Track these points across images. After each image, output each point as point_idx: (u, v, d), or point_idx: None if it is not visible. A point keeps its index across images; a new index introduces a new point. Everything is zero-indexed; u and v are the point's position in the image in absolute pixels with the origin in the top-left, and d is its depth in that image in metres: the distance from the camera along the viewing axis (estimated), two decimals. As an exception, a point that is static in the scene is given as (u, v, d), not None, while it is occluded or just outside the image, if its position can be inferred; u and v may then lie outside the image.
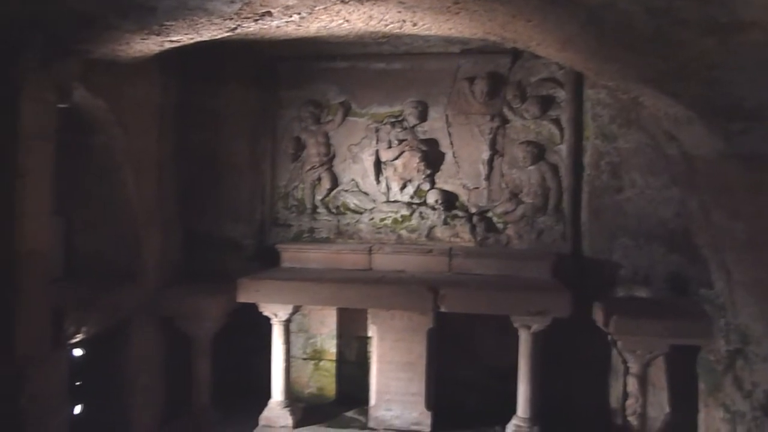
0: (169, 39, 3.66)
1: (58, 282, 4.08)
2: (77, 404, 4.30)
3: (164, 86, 5.05)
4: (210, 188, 5.58)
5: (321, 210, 5.56)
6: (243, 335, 5.34)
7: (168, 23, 3.37)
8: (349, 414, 5.10)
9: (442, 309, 4.38)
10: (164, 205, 5.10)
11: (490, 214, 5.35)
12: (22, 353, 3.30)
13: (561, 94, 5.22)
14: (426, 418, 4.74)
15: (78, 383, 4.27)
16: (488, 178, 5.37)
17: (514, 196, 5.30)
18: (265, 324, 4.85)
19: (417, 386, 4.74)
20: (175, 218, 5.34)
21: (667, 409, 4.71)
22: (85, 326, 3.84)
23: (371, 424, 4.81)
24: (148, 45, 3.73)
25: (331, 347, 5.52)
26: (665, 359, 4.59)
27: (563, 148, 5.21)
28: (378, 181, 5.51)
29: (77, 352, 4.27)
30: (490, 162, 5.36)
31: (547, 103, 5.24)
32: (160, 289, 4.94)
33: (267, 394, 4.91)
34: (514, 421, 4.55)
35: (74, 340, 3.80)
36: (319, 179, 5.56)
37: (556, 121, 5.22)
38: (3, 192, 3.26)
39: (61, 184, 3.88)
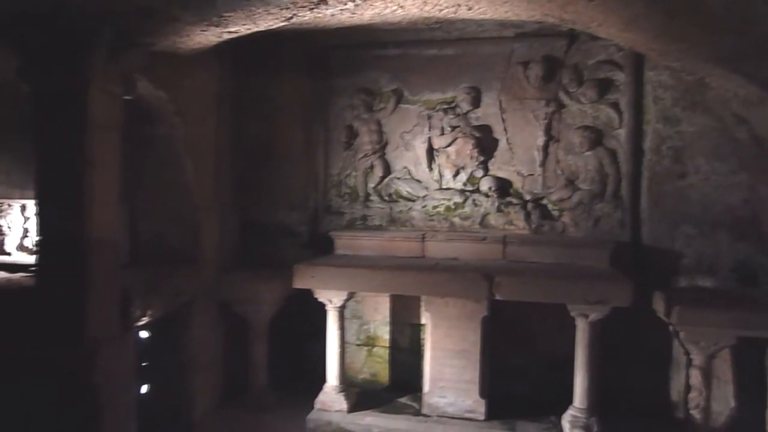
0: (227, 30, 3.74)
1: (124, 267, 4.23)
2: (144, 384, 4.49)
3: (221, 77, 5.16)
4: (264, 176, 5.69)
5: (373, 198, 5.58)
6: (297, 320, 5.45)
7: (226, 14, 3.45)
8: (403, 400, 5.13)
9: (498, 297, 4.33)
10: (221, 192, 5.23)
11: (545, 201, 5.25)
12: (93, 334, 3.47)
13: (620, 77, 5.04)
14: (480, 406, 4.72)
15: (144, 364, 4.46)
16: (543, 164, 5.26)
17: (570, 182, 5.18)
18: (319, 310, 4.92)
19: (471, 374, 4.72)
20: (231, 205, 5.48)
21: (733, 404, 4.54)
22: (150, 309, 3.99)
23: (425, 410, 4.82)
24: (207, 36, 3.82)
25: (384, 334, 5.56)
26: (731, 352, 4.41)
27: (622, 133, 5.05)
28: (430, 169, 5.48)
29: (143, 334, 4.45)
30: (545, 148, 5.25)
31: (605, 87, 5.08)
32: (218, 275, 5.08)
33: (320, 379, 4.99)
34: (570, 412, 4.48)
35: (140, 323, 3.96)
36: (372, 167, 5.58)
37: (615, 105, 5.06)
38: (74, 181, 3.42)
39: (125, 173, 4.03)
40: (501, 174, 5.35)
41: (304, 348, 5.57)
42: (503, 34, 5.21)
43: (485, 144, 5.35)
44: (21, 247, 4.24)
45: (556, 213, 5.21)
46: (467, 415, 4.73)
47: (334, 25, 4.51)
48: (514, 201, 5.27)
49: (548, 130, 5.21)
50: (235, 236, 5.58)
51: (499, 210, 5.26)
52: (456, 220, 5.37)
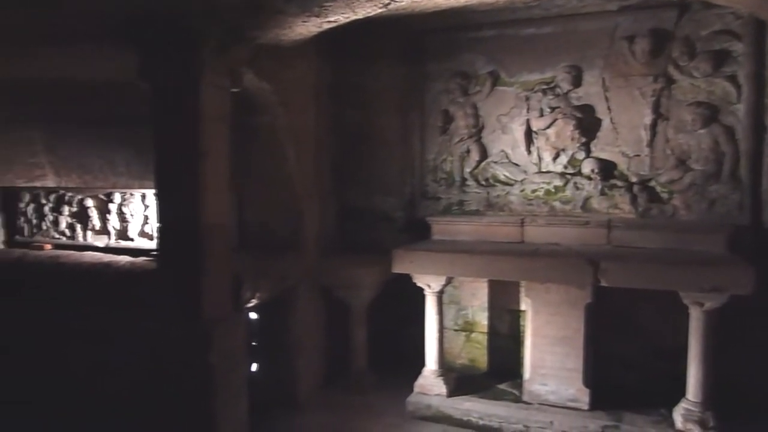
0: (327, 20, 3.81)
1: (233, 252, 4.45)
2: (253, 363, 4.73)
3: (319, 67, 5.29)
4: (361, 163, 5.78)
5: (470, 182, 5.52)
6: (395, 305, 5.52)
7: (327, 4, 3.52)
8: (502, 386, 5.08)
9: (603, 283, 4.17)
10: (321, 179, 5.38)
11: (653, 183, 4.96)
12: (209, 315, 3.70)
13: (738, 48, 4.65)
14: (583, 395, 4.58)
15: (254, 344, 4.70)
16: (651, 144, 4.96)
17: (682, 162, 4.85)
18: (416, 295, 4.95)
19: (574, 362, 4.58)
20: (330, 192, 5.63)
21: None
22: (258, 292, 4.19)
23: (525, 397, 4.75)
24: (308, 27, 3.92)
25: (482, 319, 5.51)
26: None
27: (741, 108, 4.66)
28: (529, 152, 5.33)
29: (253, 315, 4.69)
30: (653, 126, 4.95)
31: (720, 59, 4.70)
32: (319, 260, 5.25)
33: (418, 363, 5.04)
34: (683, 405, 4.24)
35: (250, 305, 4.17)
36: (468, 151, 5.51)
37: (732, 78, 4.67)
38: (189, 171, 3.64)
39: (232, 162, 4.23)
40: (604, 155, 5.11)
41: (402, 332, 5.64)
42: (606, 8, 4.96)
43: (587, 124, 5.13)
44: (142, 233, 4.58)
45: (665, 195, 4.91)
46: (570, 404, 4.60)
47: (430, 9, 4.48)
48: (619, 183, 5.02)
49: (656, 108, 4.91)
50: (334, 222, 5.73)
51: (602, 193, 5.05)
52: (556, 204, 5.21)
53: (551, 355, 4.65)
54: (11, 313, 4.35)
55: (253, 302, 4.19)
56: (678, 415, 4.24)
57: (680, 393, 4.28)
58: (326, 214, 5.51)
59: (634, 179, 5.01)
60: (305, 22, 3.75)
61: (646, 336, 4.96)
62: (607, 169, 5.08)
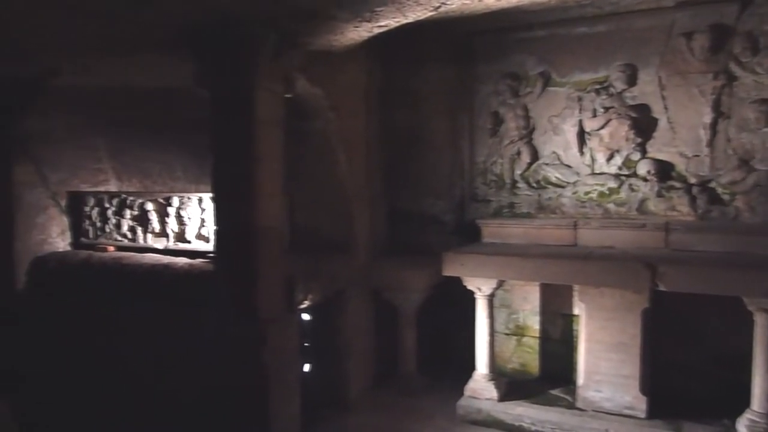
0: (378, 24, 3.85)
1: (286, 254, 4.54)
2: (306, 363, 4.81)
3: (369, 71, 5.34)
4: (411, 166, 5.80)
5: (521, 185, 5.45)
6: (445, 308, 5.51)
7: (378, 9, 3.56)
8: (555, 392, 4.99)
9: (661, 288, 4.04)
10: (371, 182, 5.42)
11: (713, 185, 4.78)
12: (263, 315, 3.78)
13: (805, 42, 4.45)
14: (640, 403, 4.45)
15: (306, 345, 4.77)
16: (711, 143, 4.79)
17: (744, 163, 4.66)
18: (466, 298, 4.92)
19: (630, 368, 4.46)
20: (380, 195, 5.66)
21: None
22: (310, 294, 4.26)
23: (579, 404, 4.65)
24: (359, 32, 3.97)
25: (534, 324, 5.43)
26: None
27: (809, 105, 4.45)
28: (582, 153, 5.22)
29: (305, 317, 4.76)
30: (714, 126, 4.77)
31: (787, 54, 4.51)
32: (369, 263, 5.29)
33: (468, 367, 5.01)
34: (747, 416, 4.06)
35: (302, 306, 4.24)
36: (519, 153, 5.45)
37: (800, 74, 4.48)
38: (244, 175, 3.73)
39: (284, 166, 4.31)
40: (661, 156, 4.96)
41: (451, 335, 5.62)
42: (662, 4, 4.82)
43: (642, 124, 5.00)
44: (199, 236, 4.72)
45: (726, 197, 4.73)
46: (626, 411, 4.48)
47: (480, 11, 4.47)
48: (677, 185, 4.87)
49: (717, 106, 4.74)
50: (384, 225, 5.76)
51: (659, 195, 4.90)
52: (610, 206, 5.09)
53: (606, 361, 4.54)
54: (78, 312, 4.56)
55: (306, 304, 4.26)
56: (742, 427, 4.07)
57: (744, 403, 4.11)
58: (376, 217, 5.55)
59: (693, 180, 4.84)
60: (357, 27, 3.80)
61: (707, 343, 4.78)
62: (664, 170, 4.93)
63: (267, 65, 3.71)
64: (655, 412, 4.45)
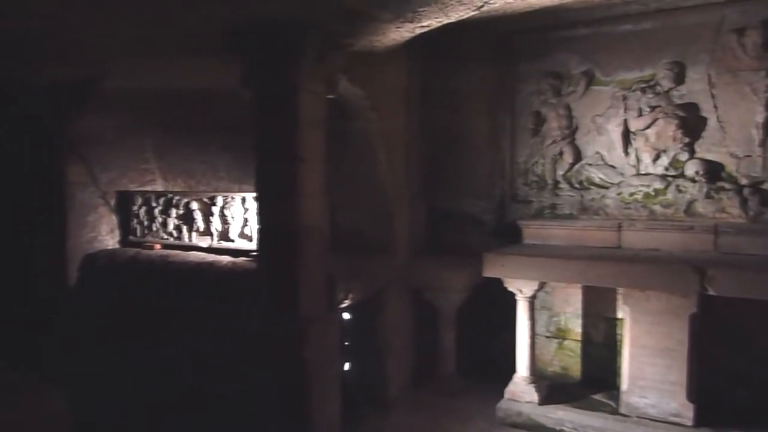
0: (420, 25, 3.85)
1: (327, 253, 4.58)
2: (346, 361, 4.84)
3: (409, 71, 5.35)
4: (450, 166, 5.78)
5: (563, 185, 5.37)
6: (484, 309, 5.47)
7: (420, 9, 3.56)
8: (597, 397, 4.89)
9: (711, 292, 3.92)
10: (411, 182, 5.43)
11: (766, 186, 4.62)
12: (305, 314, 3.83)
13: None
14: (687, 411, 4.32)
15: (347, 343, 4.81)
16: (764, 143, 4.63)
17: (800, 163, 4.50)
18: (506, 299, 4.88)
19: (677, 374, 4.34)
20: (420, 195, 5.66)
21: None
22: (351, 293, 4.29)
23: (623, 410, 4.55)
24: (401, 33, 3.98)
25: (575, 327, 5.34)
26: None
27: None
28: (626, 153, 5.11)
29: (345, 315, 4.80)
30: (766, 125, 4.61)
31: None
32: (408, 263, 5.29)
33: (507, 369, 4.96)
34: (801, 425, 3.92)
35: (343, 305, 4.28)
36: (561, 153, 5.37)
37: None
38: (288, 175, 3.79)
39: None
40: (710, 156, 4.83)
41: (491, 337, 5.58)
42: (711, 0, 4.68)
43: (690, 124, 4.87)
44: (242, 235, 4.81)
45: (780, 199, 4.57)
46: (672, 419, 4.36)
47: (522, 10, 4.43)
48: (727, 186, 4.72)
49: (770, 105, 4.59)
50: (423, 225, 5.76)
51: (708, 196, 4.76)
52: (656, 207, 4.97)
53: (651, 367, 4.43)
54: (126, 308, 4.71)
55: (346, 302, 4.29)
56: (796, 436, 3.93)
57: (799, 413, 3.96)
58: (416, 217, 5.55)
59: (744, 181, 4.69)
60: (399, 27, 3.81)
61: (758, 350, 4.62)
62: (713, 171, 4.79)
63: (310, 67, 3.75)
64: (702, 419, 4.32)
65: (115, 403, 4.55)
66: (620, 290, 4.80)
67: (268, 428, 3.96)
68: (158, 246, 5.24)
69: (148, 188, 5.68)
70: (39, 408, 1.89)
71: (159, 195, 5.33)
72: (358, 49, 4.18)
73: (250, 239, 4.74)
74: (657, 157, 5.00)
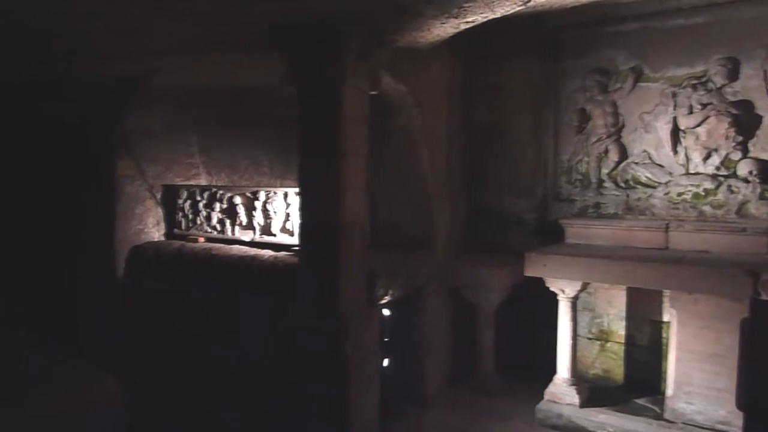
0: (465, 20, 3.81)
1: (368, 250, 4.59)
2: (385, 358, 4.85)
3: (452, 67, 5.31)
4: (492, 163, 5.72)
5: (608, 184, 5.26)
6: (523, 309, 5.40)
7: (466, 5, 3.52)
8: (640, 401, 4.78)
9: (764, 297, 3.78)
10: (452, 179, 5.39)
11: (824, 187, 4.44)
12: (345, 309, 3.85)
13: None
14: (736, 419, 4.18)
15: (386, 340, 4.82)
16: (822, 143, 4.45)
17: None
18: (545, 299, 4.80)
19: (725, 381, 4.19)
20: (460, 192, 5.62)
21: None
22: (391, 289, 4.29)
23: (668, 415, 4.43)
24: (446, 29, 3.95)
25: (619, 329, 5.22)
26: None
27: None
28: (675, 152, 4.97)
29: (385, 312, 4.81)
30: (826, 123, 4.43)
31: None
32: (448, 260, 5.26)
33: (546, 370, 4.89)
34: None
35: (383, 301, 4.28)
36: (606, 151, 5.25)
37: None
38: (330, 171, 3.81)
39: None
40: (765, 156, 4.65)
41: (530, 337, 5.50)
42: (767, -7, 4.51)
43: (744, 122, 4.71)
44: (283, 229, 4.85)
45: (841, 201, 4.37)
46: (720, 426, 4.23)
47: (570, 4, 4.34)
48: (783, 187, 4.55)
49: (831, 102, 4.39)
50: (463, 223, 5.72)
51: (762, 197, 4.59)
52: (706, 208, 4.81)
53: (699, 372, 4.30)
54: (171, 299, 4.82)
55: (386, 299, 4.30)
56: None
57: None
58: (456, 215, 5.52)
59: (801, 182, 4.51)
60: (443, 23, 3.79)
61: (814, 358, 4.44)
62: (767, 171, 4.61)
63: (354, 63, 3.76)
64: (752, 428, 4.18)
65: (160, 391, 4.67)
66: (667, 293, 4.67)
67: (308, 421, 4.00)
68: (202, 239, 5.34)
69: (192, 182, 5.80)
70: (96, 393, 1.95)
71: (203, 189, 5.43)
72: (401, 45, 4.17)
73: (291, 234, 4.78)
74: (708, 156, 4.84)
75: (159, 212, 5.60)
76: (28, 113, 5.38)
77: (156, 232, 5.59)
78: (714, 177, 4.81)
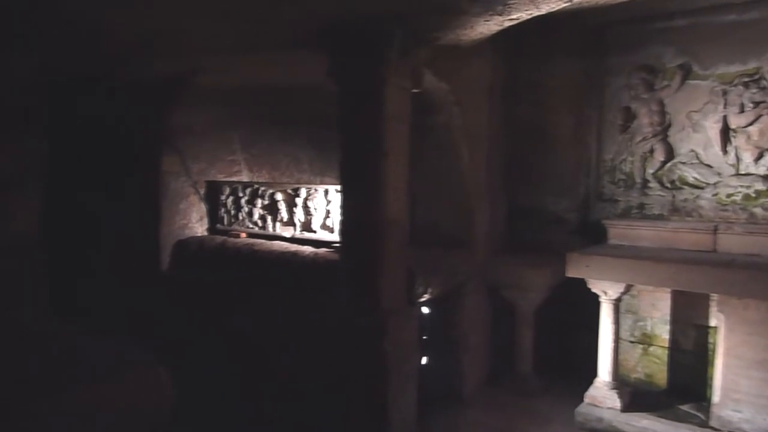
0: (509, 18, 3.77)
1: (407, 248, 4.60)
2: (424, 356, 4.86)
3: (494, 64, 5.25)
4: (532, 162, 5.64)
5: (653, 184, 5.14)
6: (563, 310, 5.33)
7: (511, 2, 3.48)
8: (684, 408, 4.65)
9: (819, 303, 3.65)
10: (492, 178, 5.35)
11: None
12: (385, 306, 3.86)
13: None
14: (787, 428, 4.05)
15: (425, 338, 4.82)
16: None
17: None
18: (586, 301, 4.73)
19: (775, 389, 4.07)
20: (501, 191, 5.57)
21: None
22: (430, 288, 4.29)
23: (713, 423, 4.30)
24: (489, 26, 3.91)
25: (662, 333, 5.10)
26: None
27: None
28: (725, 152, 4.82)
29: (424, 310, 4.81)
30: None
31: None
32: (487, 259, 5.22)
33: (586, 372, 4.81)
34: None
35: (422, 299, 4.28)
36: (652, 151, 5.13)
37: None
38: (372, 169, 3.82)
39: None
40: (821, 156, 4.48)
41: (569, 339, 5.43)
42: (828, -14, 4.33)
43: (799, 121, 4.53)
44: (323, 226, 4.91)
45: None
46: (769, 435, 4.10)
47: (616, 1, 4.25)
48: (840, 189, 4.37)
49: None
50: (503, 222, 5.67)
51: (817, 200, 4.42)
52: (757, 210, 4.66)
53: (747, 380, 4.17)
54: (213, 293, 4.93)
55: (425, 297, 4.29)
56: None
57: None
58: (496, 214, 5.47)
59: None
60: (487, 21, 3.75)
61: None
62: (824, 173, 4.45)
63: (396, 61, 3.76)
64: (803, 439, 4.04)
65: (202, 379, 4.78)
66: (714, 297, 4.55)
67: (346, 417, 4.03)
68: (243, 234, 5.44)
69: (234, 179, 5.90)
70: (147, 380, 2.00)
71: (245, 185, 5.53)
72: (443, 43, 4.15)
73: (331, 231, 4.83)
74: (760, 157, 4.69)
75: (202, 208, 5.73)
76: (73, 111, 5.56)
77: (199, 227, 5.72)
78: (766, 178, 4.66)
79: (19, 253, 2.60)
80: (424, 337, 4.81)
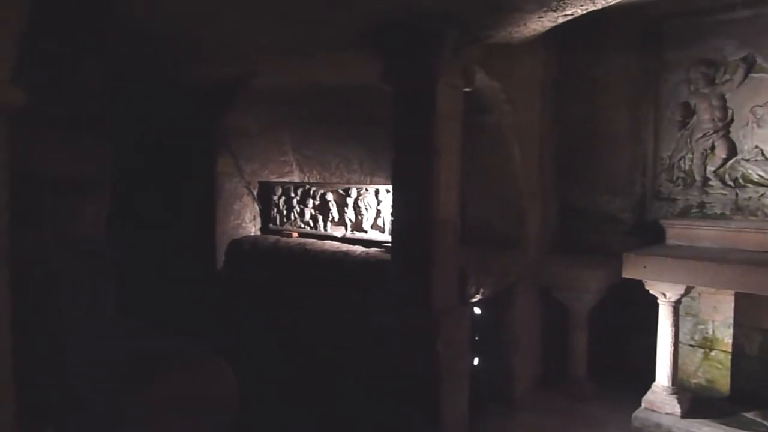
0: (564, 14, 3.71)
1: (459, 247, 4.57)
2: (476, 356, 4.83)
3: (546, 62, 5.17)
4: (585, 160, 5.52)
5: (713, 182, 4.95)
6: (618, 312, 5.20)
7: (566, -2, 3.43)
8: (748, 415, 4.46)
9: None
10: (543, 177, 5.26)
11: None
12: (437, 306, 3.86)
13: None
14: None
15: (477, 338, 4.79)
16: None
17: None
18: (642, 303, 4.60)
19: None
20: (552, 190, 5.48)
21: None
22: (482, 287, 4.26)
23: (780, 431, 4.13)
24: (543, 23, 3.86)
25: (725, 337, 4.90)
26: None
27: None
28: (792, 148, 4.62)
29: (476, 310, 4.78)
30: None
31: None
32: (539, 259, 5.15)
33: (642, 376, 4.68)
34: None
35: (474, 299, 4.26)
36: (712, 148, 4.95)
37: None
38: (424, 168, 3.83)
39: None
40: None
41: (624, 342, 5.29)
42: None
43: None
44: (374, 226, 4.94)
45: None
46: (842, 446, 3.90)
47: (675, -7, 4.13)
48: None
49: None
50: (555, 221, 5.57)
51: None
52: (828, 209, 4.43)
53: (818, 386, 3.98)
54: (267, 292, 5.03)
55: (478, 297, 4.27)
56: None
57: None
58: (548, 213, 5.38)
59: None
60: (541, 17, 3.71)
61: None
62: None
63: (448, 60, 3.76)
64: None
65: (256, 375, 4.88)
66: (782, 300, 4.35)
67: (399, 416, 4.05)
68: (295, 234, 5.53)
69: (286, 179, 6.01)
70: (214, 372, 2.06)
71: (297, 186, 5.62)
72: (495, 41, 4.12)
73: (382, 230, 4.86)
74: (830, 153, 4.46)
75: (255, 208, 5.86)
76: (134, 117, 5.76)
77: (252, 227, 5.85)
78: (837, 175, 4.43)
79: (90, 253, 2.72)
80: (476, 338, 4.78)
